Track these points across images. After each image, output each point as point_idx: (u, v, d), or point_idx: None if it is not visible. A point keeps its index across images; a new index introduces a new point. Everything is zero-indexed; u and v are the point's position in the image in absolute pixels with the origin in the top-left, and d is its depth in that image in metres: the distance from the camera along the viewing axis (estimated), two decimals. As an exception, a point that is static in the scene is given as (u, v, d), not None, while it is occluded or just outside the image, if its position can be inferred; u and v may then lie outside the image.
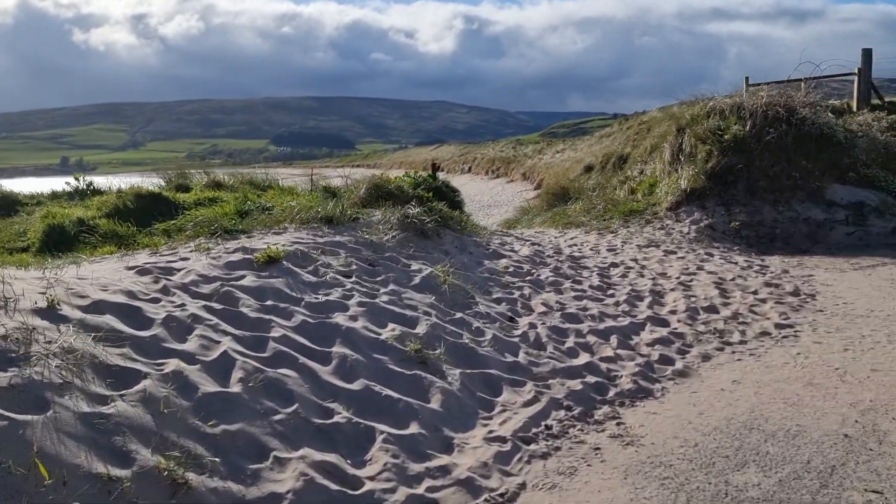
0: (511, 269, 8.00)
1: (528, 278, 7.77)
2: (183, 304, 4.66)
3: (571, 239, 11.36)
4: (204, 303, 4.82)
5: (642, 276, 8.57)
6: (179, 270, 5.41)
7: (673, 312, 7.09)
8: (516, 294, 7.11)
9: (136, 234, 7.50)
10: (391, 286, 6.27)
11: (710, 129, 12.88)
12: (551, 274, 8.13)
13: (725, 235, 11.27)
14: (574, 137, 48.40)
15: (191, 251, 6.26)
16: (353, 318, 5.25)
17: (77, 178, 10.79)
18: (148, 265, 5.43)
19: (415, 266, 6.98)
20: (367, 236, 7.48)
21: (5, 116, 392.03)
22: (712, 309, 7.22)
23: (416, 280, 6.59)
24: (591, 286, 7.89)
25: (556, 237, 11.69)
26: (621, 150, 18.20)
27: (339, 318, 5.18)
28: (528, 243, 10.18)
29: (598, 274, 8.54)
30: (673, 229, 11.53)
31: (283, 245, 6.64)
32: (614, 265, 9.14)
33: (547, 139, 60.35)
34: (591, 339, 6.12)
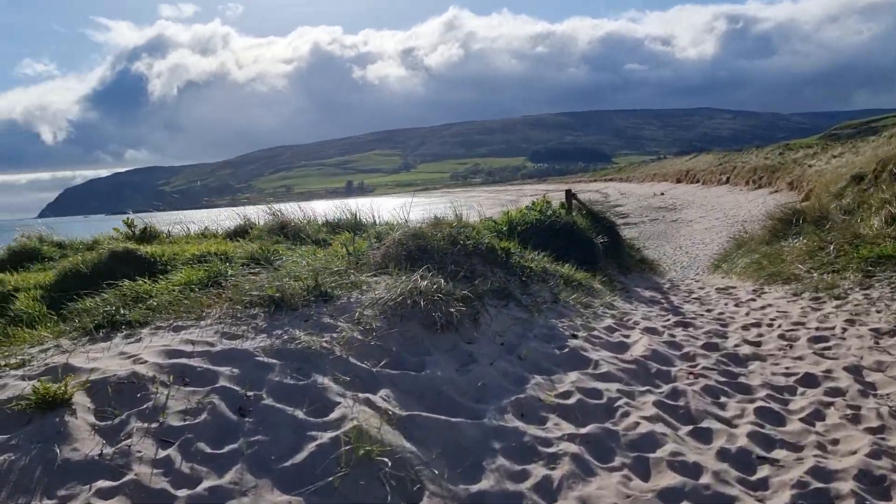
0: (570, 402, 4.23)
1: (589, 428, 3.93)
2: None
3: (762, 309, 7.04)
4: None
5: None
6: None
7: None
8: (540, 477, 3.43)
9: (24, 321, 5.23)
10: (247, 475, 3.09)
11: None
12: (653, 416, 4.17)
13: None
14: (858, 138, 40.65)
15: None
16: None
17: (128, 224, 9.13)
18: None
19: (339, 408, 3.68)
20: (309, 341, 4.35)
21: (303, 147, 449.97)
22: None
23: (303, 456, 3.31)
24: (738, 450, 3.81)
25: (742, 300, 7.49)
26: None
27: None
28: (669, 320, 6.24)
29: (769, 411, 4.35)
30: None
31: (129, 361, 3.85)
32: (813, 379, 4.82)
33: (824, 142, 51.72)
34: None
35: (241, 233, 9.32)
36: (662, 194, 59.93)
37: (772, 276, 8.54)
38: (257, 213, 10.28)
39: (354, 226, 9.22)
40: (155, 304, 4.90)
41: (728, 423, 4.08)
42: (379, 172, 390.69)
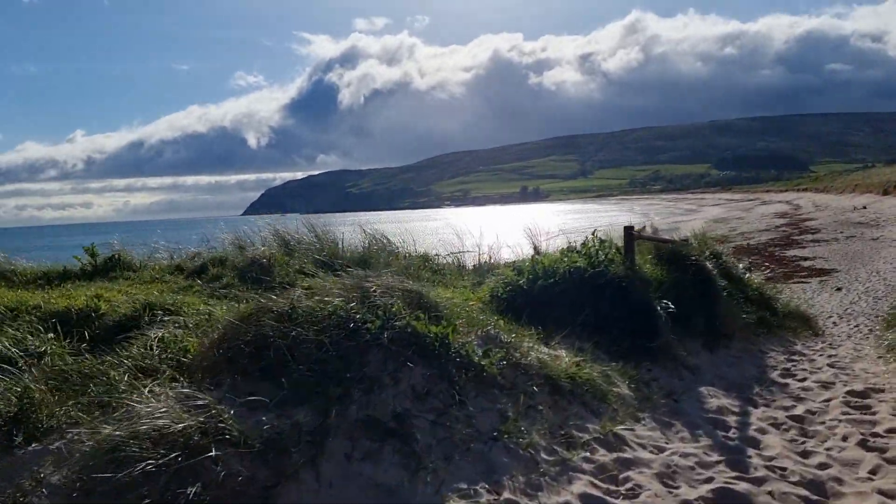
0: None
1: None
2: None
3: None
4: None
5: None
6: None
7: None
8: None
9: None
10: None
11: None
12: None
13: None
14: None
15: None
16: None
17: (89, 251, 7.70)
18: None
19: None
20: None
21: (480, 153, 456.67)
22: None
23: None
24: None
25: (878, 433, 4.40)
26: None
27: None
28: (710, 479, 3.49)
29: None
30: None
31: None
32: None
33: None
34: None
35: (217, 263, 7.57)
36: (864, 207, 52.32)
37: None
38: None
39: (328, 263, 7.13)
40: None
41: None
42: (555, 178, 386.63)
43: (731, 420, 4.70)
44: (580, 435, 3.99)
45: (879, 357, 7.16)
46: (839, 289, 20.18)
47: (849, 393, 5.47)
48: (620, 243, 6.93)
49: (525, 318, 5.72)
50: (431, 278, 8.13)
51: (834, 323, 14.96)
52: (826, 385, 5.84)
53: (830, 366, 6.76)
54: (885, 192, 60.21)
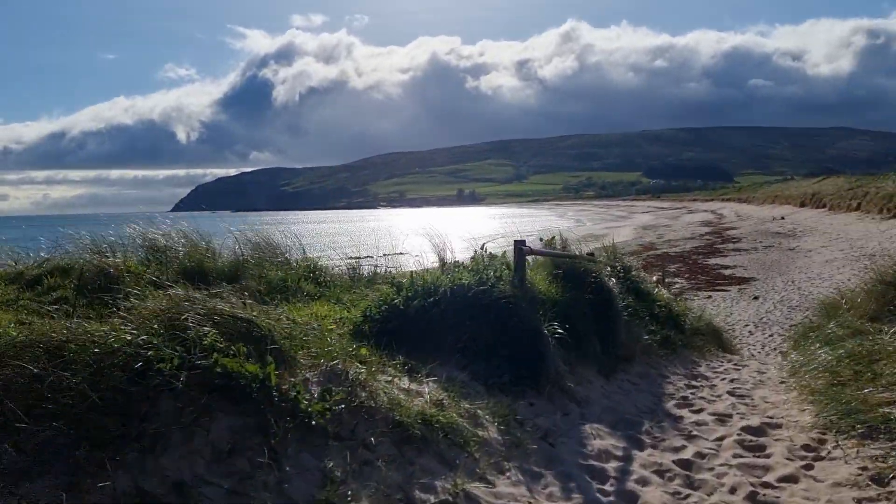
0: None
1: None
2: None
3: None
4: None
5: None
6: None
7: None
8: None
9: None
10: None
11: None
12: None
13: None
14: None
15: None
16: None
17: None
18: None
19: None
20: None
21: (417, 154, 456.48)
22: None
23: None
24: None
25: (768, 482, 3.88)
26: None
27: None
28: None
29: None
30: None
31: None
32: None
33: (983, 171, 45.72)
34: None
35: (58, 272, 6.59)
36: (783, 218, 54.12)
37: (846, 415, 4.84)
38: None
39: (196, 273, 6.29)
40: None
41: None
42: (491, 182, 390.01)
43: (612, 467, 4.12)
44: (424, 497, 3.31)
45: (782, 382, 6.79)
46: (756, 297, 20.34)
47: (744, 429, 5.00)
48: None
49: (396, 345, 5.04)
50: (313, 292, 7.37)
51: (750, 332, 14.89)
52: (722, 419, 5.37)
53: (730, 393, 6.32)
54: (802, 204, 62.49)
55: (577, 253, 7.84)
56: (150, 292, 6.30)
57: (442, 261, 9.23)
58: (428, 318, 5.44)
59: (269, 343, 3.84)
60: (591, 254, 8.40)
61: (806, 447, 4.56)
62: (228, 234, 9.35)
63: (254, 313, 3.95)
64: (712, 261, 32.13)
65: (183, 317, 3.59)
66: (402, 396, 4.07)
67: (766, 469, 4.22)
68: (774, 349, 13.00)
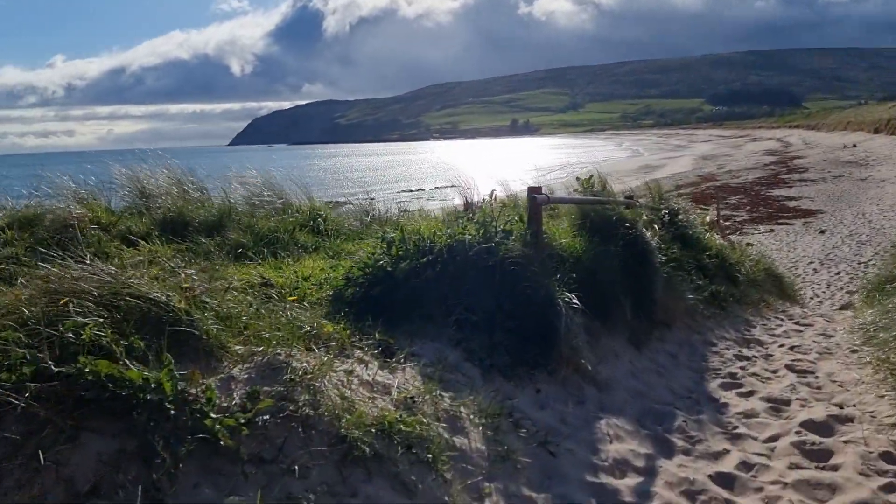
0: None
1: None
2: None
3: None
4: None
5: None
6: None
7: None
8: None
9: None
10: None
11: None
12: None
13: None
14: None
15: None
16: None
17: None
18: None
19: None
20: None
21: (470, 84, 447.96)
22: None
23: None
24: None
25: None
26: None
27: None
28: None
29: None
30: None
31: None
32: None
33: None
34: None
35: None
36: (854, 146, 51.25)
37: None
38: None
39: (175, 224, 5.50)
40: None
41: None
42: (545, 111, 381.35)
43: (628, 486, 3.21)
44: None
45: (853, 351, 5.70)
46: (823, 231, 18.85)
47: (805, 425, 4.00)
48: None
49: (380, 315, 4.19)
50: (310, 243, 6.53)
51: (815, 269, 13.59)
52: (777, 407, 4.36)
53: (790, 368, 5.28)
54: (876, 131, 58.69)
55: (612, 196, 6.74)
56: (115, 248, 5.56)
57: (467, 203, 8.28)
58: (420, 283, 4.54)
59: (189, 328, 3.03)
60: (631, 196, 7.30)
61: (886, 456, 3.55)
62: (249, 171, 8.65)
63: (169, 296, 3.11)
64: (776, 192, 30.25)
65: (63, 301, 2.78)
66: (361, 394, 3.22)
67: (833, 490, 3.25)
68: (841, 289, 11.74)
